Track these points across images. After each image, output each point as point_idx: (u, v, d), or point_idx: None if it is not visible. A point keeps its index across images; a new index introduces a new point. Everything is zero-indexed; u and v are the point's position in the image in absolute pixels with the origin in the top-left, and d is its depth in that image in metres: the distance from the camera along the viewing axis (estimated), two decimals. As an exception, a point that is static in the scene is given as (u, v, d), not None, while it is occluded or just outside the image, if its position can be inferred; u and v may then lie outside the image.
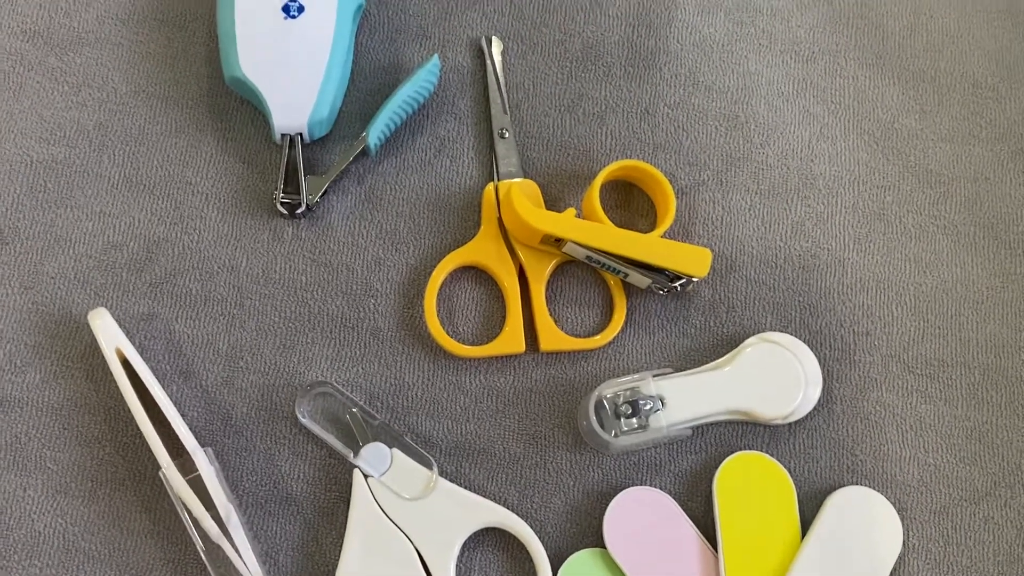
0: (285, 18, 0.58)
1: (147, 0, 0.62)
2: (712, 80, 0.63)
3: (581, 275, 0.59)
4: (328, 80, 0.58)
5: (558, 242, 0.57)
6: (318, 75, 0.58)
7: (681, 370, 0.57)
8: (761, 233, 0.60)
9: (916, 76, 0.64)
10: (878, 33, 0.64)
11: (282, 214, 0.58)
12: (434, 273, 0.57)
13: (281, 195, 0.58)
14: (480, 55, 0.63)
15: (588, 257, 0.57)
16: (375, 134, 0.59)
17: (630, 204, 0.61)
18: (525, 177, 0.60)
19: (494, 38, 0.63)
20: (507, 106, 0.61)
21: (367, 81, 0.62)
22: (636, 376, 0.55)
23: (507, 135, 0.61)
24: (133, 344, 0.54)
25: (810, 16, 0.65)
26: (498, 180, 0.60)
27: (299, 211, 0.58)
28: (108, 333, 0.54)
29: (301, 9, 0.58)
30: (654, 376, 0.55)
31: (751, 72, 0.63)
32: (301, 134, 0.58)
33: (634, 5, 0.64)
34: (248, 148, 0.60)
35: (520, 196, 0.57)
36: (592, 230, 0.56)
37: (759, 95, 0.63)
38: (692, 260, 0.57)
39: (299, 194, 0.58)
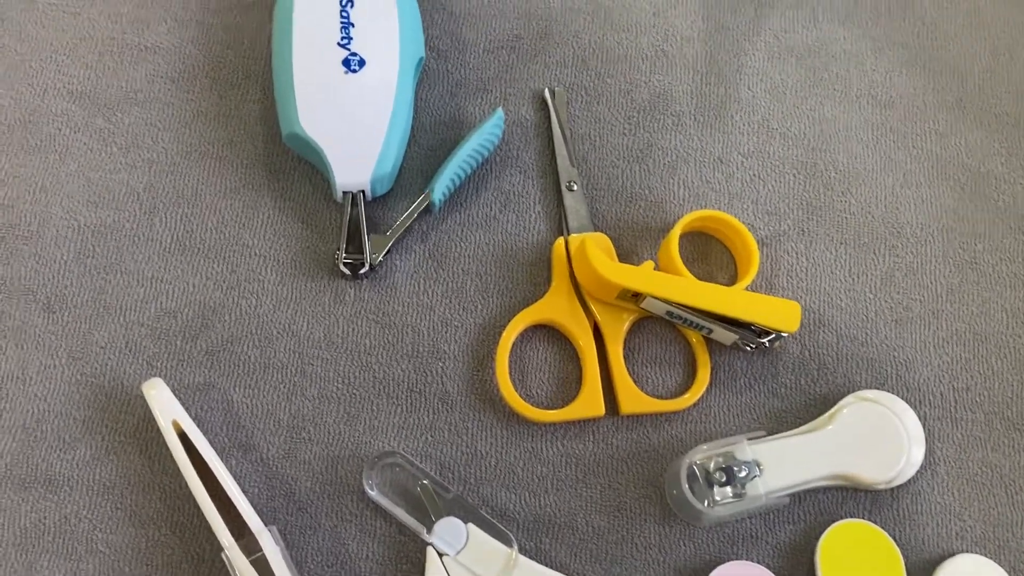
0: (346, 72, 0.55)
1: (198, 58, 0.60)
2: (787, 127, 0.60)
3: (660, 332, 0.56)
4: (391, 134, 0.55)
5: (636, 297, 0.54)
6: (381, 130, 0.55)
7: (774, 432, 0.53)
8: (849, 285, 0.57)
9: (999, 119, 0.61)
10: (956, 76, 0.62)
11: (344, 275, 0.55)
12: (505, 333, 0.54)
13: (344, 255, 0.55)
14: (543, 107, 0.60)
15: (669, 312, 0.54)
16: (439, 190, 0.56)
17: (708, 257, 0.57)
18: (596, 230, 0.57)
19: (557, 89, 0.60)
20: (574, 158, 0.59)
21: (428, 136, 0.59)
22: (729, 440, 0.51)
23: (575, 188, 0.58)
24: (189, 415, 0.50)
25: (885, 60, 0.62)
26: (568, 234, 0.57)
27: (362, 271, 0.55)
28: (164, 404, 0.50)
29: (362, 63, 0.55)
30: (748, 440, 0.51)
31: (827, 118, 0.61)
32: (363, 191, 0.56)
33: (701, 53, 0.62)
34: (306, 207, 0.57)
35: (595, 249, 0.53)
36: (674, 284, 0.53)
37: (837, 142, 0.60)
38: (781, 314, 0.53)
39: (362, 254, 0.55)
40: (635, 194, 0.58)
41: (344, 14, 0.56)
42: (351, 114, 0.55)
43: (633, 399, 0.54)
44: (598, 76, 0.61)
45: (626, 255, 0.57)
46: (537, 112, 0.60)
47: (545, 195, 0.58)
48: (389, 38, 0.56)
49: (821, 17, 0.63)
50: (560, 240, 0.56)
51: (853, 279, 0.57)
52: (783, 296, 0.56)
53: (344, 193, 0.55)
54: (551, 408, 0.53)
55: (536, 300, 0.55)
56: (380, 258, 0.55)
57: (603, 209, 0.58)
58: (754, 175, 0.59)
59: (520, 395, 0.53)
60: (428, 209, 0.56)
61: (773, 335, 0.53)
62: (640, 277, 0.53)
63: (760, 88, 0.61)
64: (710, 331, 0.54)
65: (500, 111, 0.57)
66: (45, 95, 0.59)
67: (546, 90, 0.60)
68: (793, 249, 0.58)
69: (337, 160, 0.55)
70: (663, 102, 0.61)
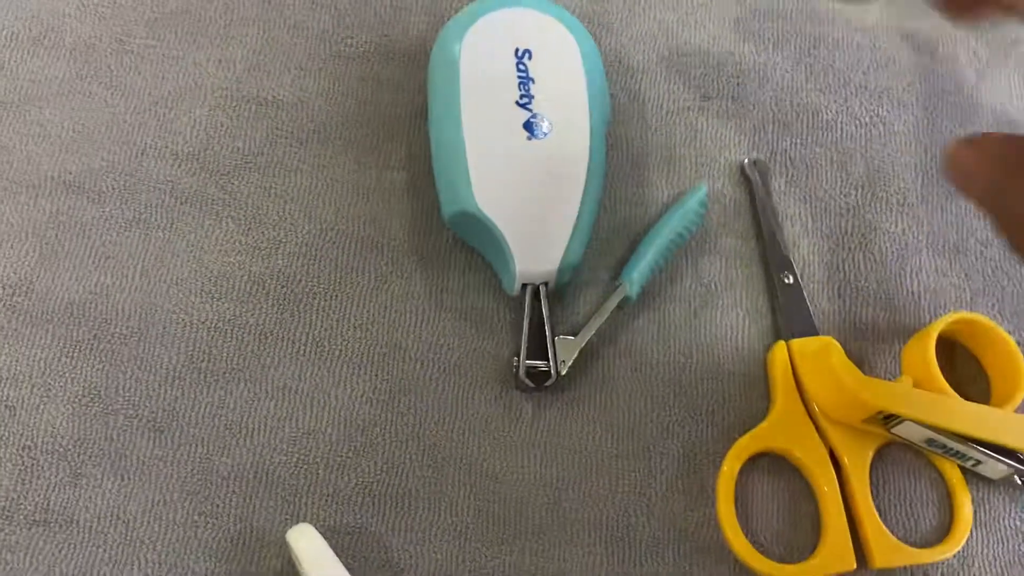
0: (529, 138, 0.45)
1: (329, 114, 0.49)
2: (1030, 210, 0.51)
3: (908, 461, 0.46)
4: (584, 213, 0.45)
5: (887, 420, 0.43)
6: (572, 208, 0.45)
7: (1060, 590, 0.43)
8: (1121, 402, 0.47)
9: None
10: None
11: (525, 387, 0.45)
12: (725, 466, 0.44)
13: (524, 362, 0.44)
14: (742, 180, 0.50)
15: (929, 440, 0.43)
16: (638, 282, 0.46)
17: (954, 367, 0.48)
18: (818, 334, 0.47)
19: (759, 159, 0.51)
20: (786, 244, 0.49)
21: (607, 214, 0.49)
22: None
23: (790, 280, 0.48)
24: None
25: None
26: (788, 337, 0.47)
27: (548, 383, 0.44)
28: (315, 559, 0.39)
29: (549, 126, 0.45)
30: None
31: (1075, 199, 0.51)
32: (547, 283, 0.45)
33: (922, 121, 0.52)
34: (468, 301, 0.47)
35: (846, 362, 0.43)
36: (945, 407, 0.43)
37: (1089, 228, 0.51)
38: (1068, 442, 0.43)
39: (544, 360, 0.45)
40: (859, 288, 0.49)
41: (521, 67, 0.46)
42: (537, 189, 0.45)
43: (888, 549, 0.43)
44: (804, 144, 0.51)
45: (856, 365, 0.47)
46: (735, 186, 0.50)
47: (752, 288, 0.48)
48: (577, 95, 0.46)
49: (1051, 81, 0.54)
50: (780, 345, 0.46)
51: (1126, 396, 0.47)
52: (1044, 416, 0.47)
53: (523, 285, 0.45)
54: (786, 561, 0.43)
55: (754, 421, 0.45)
56: (569, 365, 0.45)
57: (823, 306, 0.48)
58: (995, 267, 0.50)
59: (750, 543, 0.43)
60: (620, 304, 0.46)
61: (1054, 468, 0.44)
62: (904, 398, 0.43)
63: (994, 163, 0.52)
64: (977, 463, 0.44)
65: (703, 188, 0.48)
66: (143, 156, 0.48)
67: (746, 160, 0.50)
68: (1050, 358, 0.48)
69: (520, 245, 0.44)
70: (883, 177, 0.51)
